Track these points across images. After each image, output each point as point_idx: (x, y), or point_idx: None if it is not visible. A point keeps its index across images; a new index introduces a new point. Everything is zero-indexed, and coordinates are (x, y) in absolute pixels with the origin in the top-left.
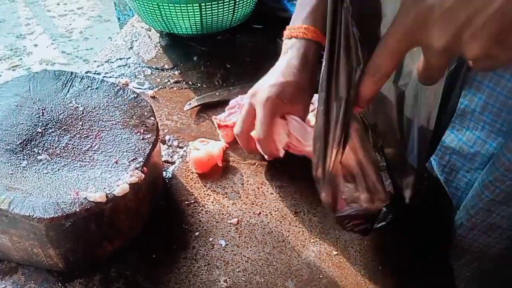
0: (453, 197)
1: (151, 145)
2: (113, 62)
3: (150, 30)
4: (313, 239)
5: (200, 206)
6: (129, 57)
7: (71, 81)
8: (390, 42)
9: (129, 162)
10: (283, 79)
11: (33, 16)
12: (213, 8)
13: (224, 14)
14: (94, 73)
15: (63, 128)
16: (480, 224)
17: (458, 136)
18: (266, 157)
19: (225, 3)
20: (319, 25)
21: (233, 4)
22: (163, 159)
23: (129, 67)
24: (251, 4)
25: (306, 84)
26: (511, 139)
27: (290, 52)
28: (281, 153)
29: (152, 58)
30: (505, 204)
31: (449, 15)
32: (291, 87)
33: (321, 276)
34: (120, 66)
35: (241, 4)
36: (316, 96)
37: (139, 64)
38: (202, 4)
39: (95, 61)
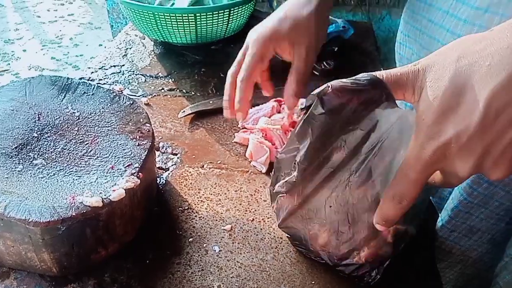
0: (438, 206)
1: (146, 151)
2: (107, 69)
3: (144, 38)
4: None
5: (194, 213)
6: (123, 65)
7: (67, 87)
8: (412, 174)
9: (125, 167)
10: (282, 15)
11: (23, 22)
12: (208, 19)
13: (219, 24)
14: (88, 79)
15: (59, 133)
16: (460, 226)
17: None
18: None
19: (219, 14)
20: None
21: (227, 15)
22: (157, 165)
23: (123, 74)
24: (245, 16)
25: (310, 19)
26: None
27: None
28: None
29: (146, 66)
30: (483, 206)
31: (466, 148)
32: (290, 23)
33: (313, 282)
34: (114, 73)
35: (235, 16)
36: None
37: (133, 71)
38: (197, 15)
39: (88, 68)
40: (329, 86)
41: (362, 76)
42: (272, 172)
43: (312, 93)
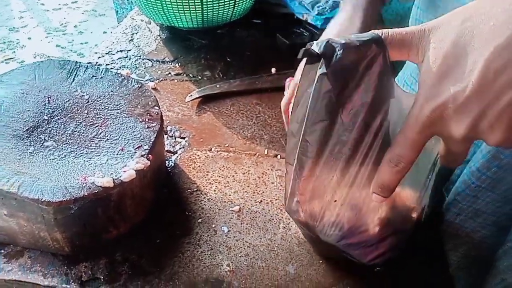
0: (447, 189)
1: (156, 134)
2: (113, 54)
3: (150, 23)
4: None
5: (203, 194)
6: (130, 49)
7: (76, 70)
8: (410, 134)
9: (134, 149)
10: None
11: (27, 9)
12: (214, 3)
13: (225, 8)
14: (96, 64)
15: (69, 116)
16: (466, 210)
17: None
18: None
19: None
20: None
21: None
22: (166, 149)
23: (129, 59)
24: None
25: None
26: None
27: (341, 12)
28: None
29: (153, 50)
30: (490, 190)
31: (462, 109)
32: None
33: (320, 261)
34: (121, 58)
35: None
36: None
37: (140, 56)
38: None
39: (96, 53)
40: (329, 41)
41: (365, 34)
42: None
43: (308, 45)
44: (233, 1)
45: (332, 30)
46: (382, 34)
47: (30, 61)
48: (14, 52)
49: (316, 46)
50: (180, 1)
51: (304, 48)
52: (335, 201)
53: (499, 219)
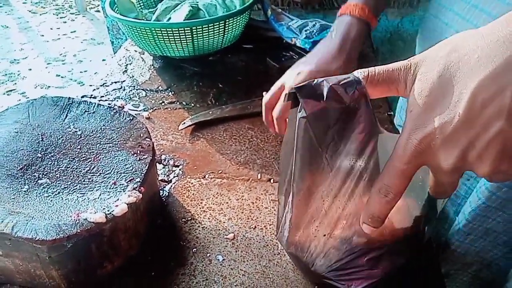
0: (453, 203)
1: (147, 165)
2: (108, 86)
3: (143, 53)
4: None
5: (197, 223)
6: (124, 80)
7: (68, 107)
8: (398, 164)
9: (126, 182)
10: (314, 68)
11: (27, 41)
12: (204, 31)
13: (215, 36)
14: (90, 97)
15: (62, 152)
16: (477, 229)
17: None
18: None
19: (215, 26)
20: (370, 4)
21: (223, 27)
22: (160, 178)
23: (124, 89)
24: (240, 26)
25: (338, 73)
26: None
27: (334, 32)
28: None
29: (146, 80)
30: (500, 210)
31: (450, 140)
32: (320, 76)
33: (316, 287)
34: (115, 89)
35: (231, 26)
36: None
37: (134, 86)
38: (194, 28)
39: (90, 85)
40: (311, 84)
41: (347, 76)
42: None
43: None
44: (223, 30)
45: (317, 59)
46: (368, 73)
47: (31, 91)
48: (15, 83)
49: (298, 90)
50: (171, 32)
51: (287, 93)
52: (324, 235)
53: (510, 240)
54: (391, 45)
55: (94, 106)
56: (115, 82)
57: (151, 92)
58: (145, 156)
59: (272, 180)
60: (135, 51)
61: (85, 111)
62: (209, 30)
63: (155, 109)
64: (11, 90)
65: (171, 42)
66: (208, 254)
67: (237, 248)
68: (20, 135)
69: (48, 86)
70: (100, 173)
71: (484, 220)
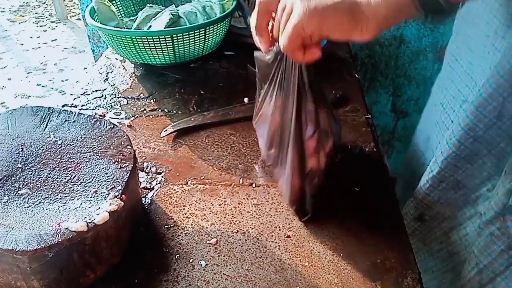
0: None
1: (128, 173)
2: (89, 94)
3: (124, 61)
4: (289, 252)
5: (180, 229)
6: (105, 89)
7: (48, 116)
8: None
9: (108, 191)
10: None
11: (6, 51)
12: (185, 39)
13: (196, 43)
14: (71, 106)
15: (42, 162)
16: (448, 178)
17: None
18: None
19: (196, 34)
20: None
21: (203, 34)
22: (142, 185)
23: (105, 98)
24: (221, 33)
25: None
26: (473, 104)
27: None
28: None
29: (128, 88)
30: (468, 162)
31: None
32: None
33: None
34: (96, 97)
35: (212, 34)
36: None
37: (115, 94)
38: (174, 36)
39: (71, 94)
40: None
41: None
42: None
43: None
44: (204, 37)
45: None
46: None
47: (11, 101)
48: None
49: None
50: (152, 40)
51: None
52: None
53: (477, 201)
54: (369, 50)
55: (74, 115)
56: (96, 91)
57: (133, 100)
58: (126, 164)
59: (254, 185)
60: (116, 59)
61: (66, 121)
62: (190, 38)
63: (137, 116)
64: None
65: (152, 50)
66: (191, 260)
67: (220, 253)
68: None
69: (29, 96)
70: (81, 182)
71: (455, 171)
